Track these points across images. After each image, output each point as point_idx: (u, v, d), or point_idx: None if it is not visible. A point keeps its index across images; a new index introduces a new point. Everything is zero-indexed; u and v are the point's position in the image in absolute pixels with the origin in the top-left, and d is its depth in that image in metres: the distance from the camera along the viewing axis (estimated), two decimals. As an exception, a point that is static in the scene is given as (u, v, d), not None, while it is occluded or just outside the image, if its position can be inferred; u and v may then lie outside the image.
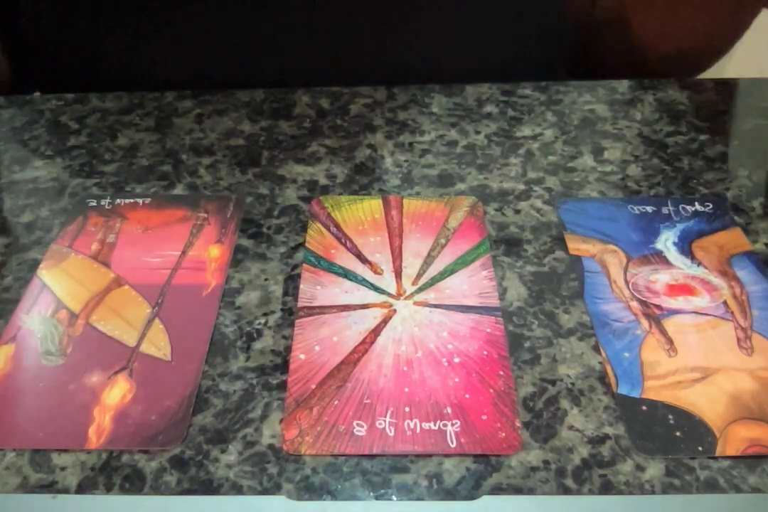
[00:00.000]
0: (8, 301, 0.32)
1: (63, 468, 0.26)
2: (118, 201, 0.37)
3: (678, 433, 0.26)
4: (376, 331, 0.30)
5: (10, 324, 0.31)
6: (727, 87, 0.45)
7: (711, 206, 0.36)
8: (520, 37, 0.49)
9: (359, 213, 0.36)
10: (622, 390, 0.28)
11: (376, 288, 0.32)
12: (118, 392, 0.28)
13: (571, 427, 0.27)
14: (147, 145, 0.41)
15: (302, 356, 0.29)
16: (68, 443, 0.26)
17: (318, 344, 0.30)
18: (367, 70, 0.47)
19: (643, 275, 0.32)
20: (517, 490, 0.25)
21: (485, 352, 0.29)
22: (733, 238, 0.34)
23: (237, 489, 0.25)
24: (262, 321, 0.31)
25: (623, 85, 0.46)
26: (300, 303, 0.32)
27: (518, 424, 0.27)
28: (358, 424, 0.27)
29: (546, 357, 0.29)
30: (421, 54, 0.48)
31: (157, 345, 0.30)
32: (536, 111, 0.43)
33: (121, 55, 0.49)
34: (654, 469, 0.25)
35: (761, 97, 0.44)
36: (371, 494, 0.25)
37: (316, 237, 0.35)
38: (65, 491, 0.25)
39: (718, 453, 0.26)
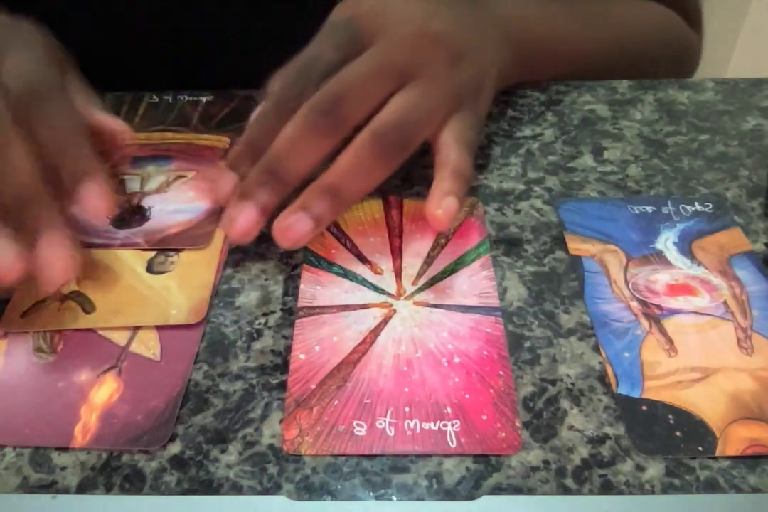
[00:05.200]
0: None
1: (63, 468, 0.26)
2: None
3: (678, 433, 0.26)
4: (376, 331, 0.30)
5: None
6: (727, 87, 0.45)
7: (711, 206, 0.36)
8: None
9: (359, 213, 0.36)
10: (622, 390, 0.28)
11: (376, 288, 0.32)
12: (106, 391, 0.28)
13: (571, 427, 0.27)
14: (147, 145, 0.41)
15: (302, 356, 0.29)
16: (54, 440, 0.26)
17: (318, 344, 0.30)
18: None
19: (643, 275, 0.32)
20: (517, 490, 0.25)
21: (485, 352, 0.29)
22: (733, 238, 0.34)
23: (237, 489, 0.25)
24: (262, 321, 0.31)
25: (623, 85, 0.46)
26: (300, 303, 0.32)
27: (518, 424, 0.27)
28: (358, 424, 0.27)
29: (546, 357, 0.29)
30: None
31: (147, 344, 0.30)
32: (536, 111, 0.43)
33: (121, 55, 0.49)
34: (654, 469, 0.25)
35: (761, 97, 0.44)
36: (371, 494, 0.25)
37: (316, 237, 0.35)
38: (65, 491, 0.25)
39: (718, 453, 0.26)
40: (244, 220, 0.32)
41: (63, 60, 0.37)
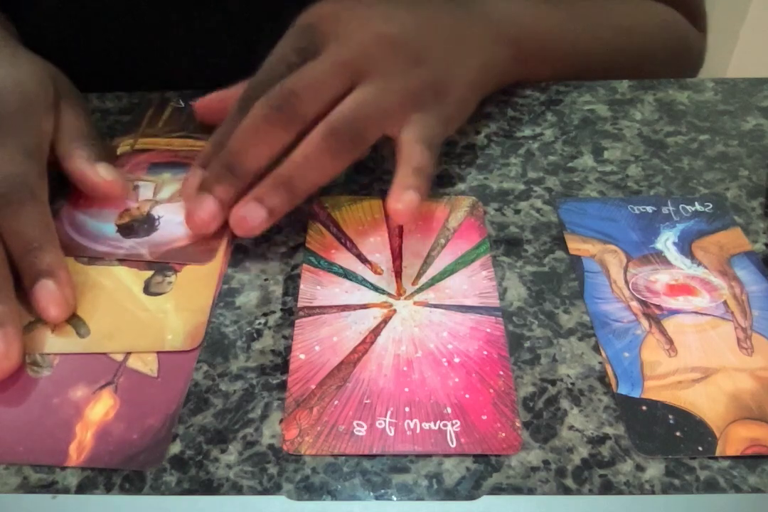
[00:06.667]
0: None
1: (63, 468, 0.26)
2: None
3: (678, 433, 0.26)
4: (376, 331, 0.30)
5: None
6: (727, 87, 0.45)
7: (711, 206, 0.36)
8: None
9: (359, 213, 0.36)
10: (622, 390, 0.28)
11: (376, 288, 0.32)
12: (101, 408, 0.27)
13: (571, 427, 0.27)
14: (147, 145, 0.41)
15: (302, 356, 0.29)
16: (48, 459, 0.26)
17: (318, 344, 0.30)
18: None
19: (643, 275, 0.32)
20: (517, 490, 0.25)
21: (485, 352, 0.29)
22: (733, 238, 0.34)
23: (237, 489, 0.25)
24: (262, 321, 0.31)
25: (623, 85, 0.46)
26: (300, 303, 0.32)
27: (518, 424, 0.27)
28: (358, 424, 0.27)
29: (546, 357, 0.29)
30: None
31: (145, 360, 0.29)
32: (536, 111, 0.43)
33: (122, 54, 0.49)
34: (654, 469, 0.25)
35: (761, 97, 0.44)
36: (371, 494, 0.25)
37: (316, 237, 0.35)
38: (65, 491, 0.25)
39: (718, 453, 0.26)
40: (203, 213, 0.33)
41: (61, 91, 0.38)
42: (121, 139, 0.41)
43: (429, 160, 0.34)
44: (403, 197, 0.32)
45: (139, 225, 0.35)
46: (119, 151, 0.40)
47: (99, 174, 0.35)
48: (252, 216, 0.32)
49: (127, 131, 0.42)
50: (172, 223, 0.36)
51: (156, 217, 0.36)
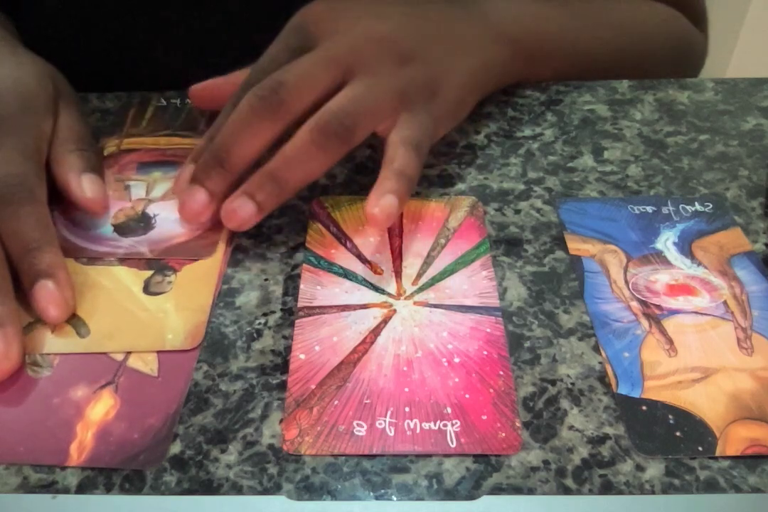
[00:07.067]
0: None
1: (63, 468, 0.26)
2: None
3: (678, 433, 0.26)
4: (376, 331, 0.30)
5: None
6: (727, 87, 0.45)
7: (711, 206, 0.36)
8: None
9: (359, 213, 0.36)
10: (622, 390, 0.28)
11: (376, 288, 0.32)
12: (102, 408, 0.27)
13: (571, 427, 0.27)
14: (147, 145, 0.41)
15: (302, 356, 0.29)
16: (48, 459, 0.26)
17: (318, 344, 0.30)
18: None
19: (643, 275, 0.32)
20: (517, 490, 0.25)
21: (485, 352, 0.29)
22: (733, 238, 0.34)
23: (237, 489, 0.25)
24: (262, 321, 0.31)
25: (623, 85, 0.46)
26: (300, 303, 0.32)
27: (518, 424, 0.27)
28: (358, 424, 0.27)
29: (546, 357, 0.29)
30: None
31: (145, 359, 0.29)
32: (536, 111, 0.43)
33: (122, 54, 0.49)
34: (654, 469, 0.25)
35: (761, 97, 0.44)
36: (371, 494, 0.25)
37: (316, 237, 0.35)
38: (65, 491, 0.25)
39: (718, 453, 0.26)
40: (193, 203, 0.34)
41: (60, 91, 0.38)
42: (107, 140, 0.41)
43: (412, 161, 0.34)
44: (381, 202, 0.32)
45: (135, 224, 0.36)
46: (105, 152, 0.40)
47: (82, 189, 0.35)
48: (242, 210, 0.33)
49: (111, 132, 0.42)
50: (169, 221, 0.36)
51: (151, 215, 0.36)
